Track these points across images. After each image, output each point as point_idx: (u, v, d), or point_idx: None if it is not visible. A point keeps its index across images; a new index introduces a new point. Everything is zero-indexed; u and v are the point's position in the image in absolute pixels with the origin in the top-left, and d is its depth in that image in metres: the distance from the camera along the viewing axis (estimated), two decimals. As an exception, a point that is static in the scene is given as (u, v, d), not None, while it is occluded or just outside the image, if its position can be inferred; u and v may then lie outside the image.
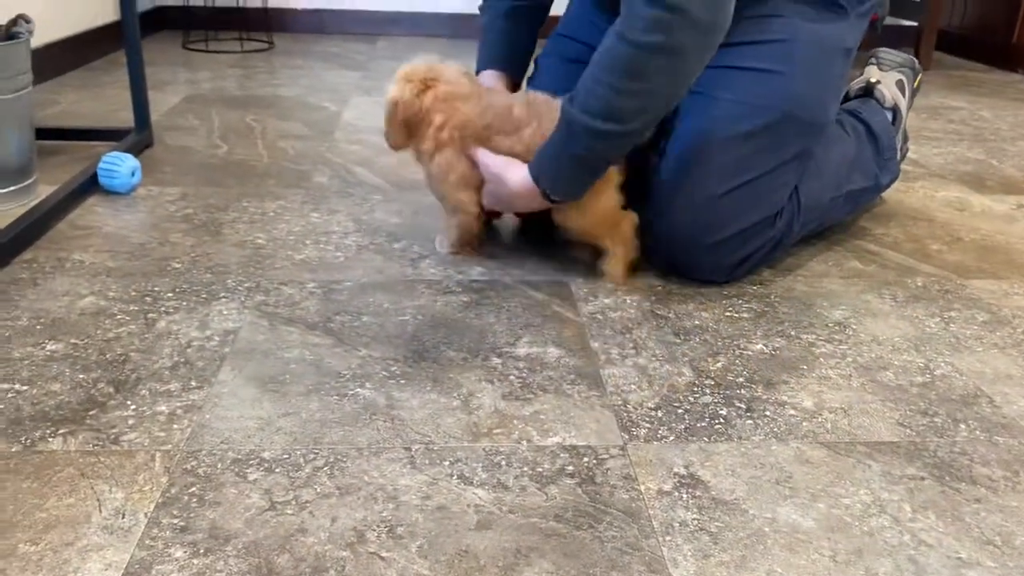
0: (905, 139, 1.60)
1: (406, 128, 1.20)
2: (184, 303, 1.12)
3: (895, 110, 1.52)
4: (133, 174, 1.50)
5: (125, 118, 1.96)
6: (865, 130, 1.43)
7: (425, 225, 1.41)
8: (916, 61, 1.62)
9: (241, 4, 3.18)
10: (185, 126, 1.96)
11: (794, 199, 1.21)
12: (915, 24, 3.09)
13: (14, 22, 1.42)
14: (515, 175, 1.14)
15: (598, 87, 1.03)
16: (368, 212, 1.47)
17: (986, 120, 2.30)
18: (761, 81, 1.14)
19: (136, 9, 1.69)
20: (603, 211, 1.17)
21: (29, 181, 1.45)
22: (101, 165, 1.48)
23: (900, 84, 1.55)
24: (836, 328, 1.11)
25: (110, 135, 1.76)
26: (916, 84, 1.63)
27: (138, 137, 1.73)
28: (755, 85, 1.14)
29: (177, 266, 1.22)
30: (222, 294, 1.14)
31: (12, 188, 1.41)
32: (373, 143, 1.88)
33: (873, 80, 1.52)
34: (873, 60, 1.58)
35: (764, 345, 1.06)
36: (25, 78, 1.41)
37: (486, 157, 1.17)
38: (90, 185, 1.48)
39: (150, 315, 1.08)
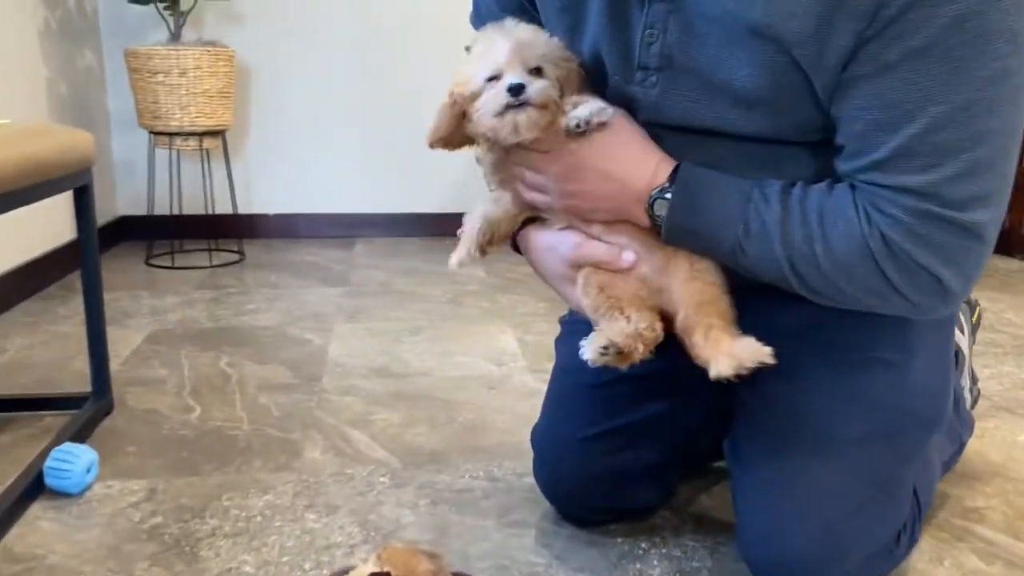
0: (974, 380, 1.43)
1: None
2: None
3: (956, 351, 1.35)
4: (89, 470, 1.24)
5: (81, 370, 1.72)
6: None
7: (447, 523, 1.16)
8: (971, 296, 1.48)
9: (209, 211, 3.02)
10: (151, 378, 1.72)
11: (914, 504, 0.99)
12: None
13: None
14: (654, 158, 0.88)
15: (807, 249, 0.82)
16: (374, 506, 1.22)
17: (1017, 325, 2.17)
18: (875, 372, 0.93)
19: (99, 263, 1.48)
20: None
21: (-42, 490, 1.19)
22: (50, 463, 1.22)
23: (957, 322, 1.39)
24: None
25: (63, 403, 1.51)
26: (975, 318, 1.48)
27: (96, 405, 1.48)
28: (867, 376, 0.94)
29: (143, 625, 0.95)
30: (203, 677, 0.87)
31: (-65, 505, 1.14)
32: (366, 391, 1.65)
33: None
34: None
35: None
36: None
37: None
38: (35, 489, 1.22)
39: None
